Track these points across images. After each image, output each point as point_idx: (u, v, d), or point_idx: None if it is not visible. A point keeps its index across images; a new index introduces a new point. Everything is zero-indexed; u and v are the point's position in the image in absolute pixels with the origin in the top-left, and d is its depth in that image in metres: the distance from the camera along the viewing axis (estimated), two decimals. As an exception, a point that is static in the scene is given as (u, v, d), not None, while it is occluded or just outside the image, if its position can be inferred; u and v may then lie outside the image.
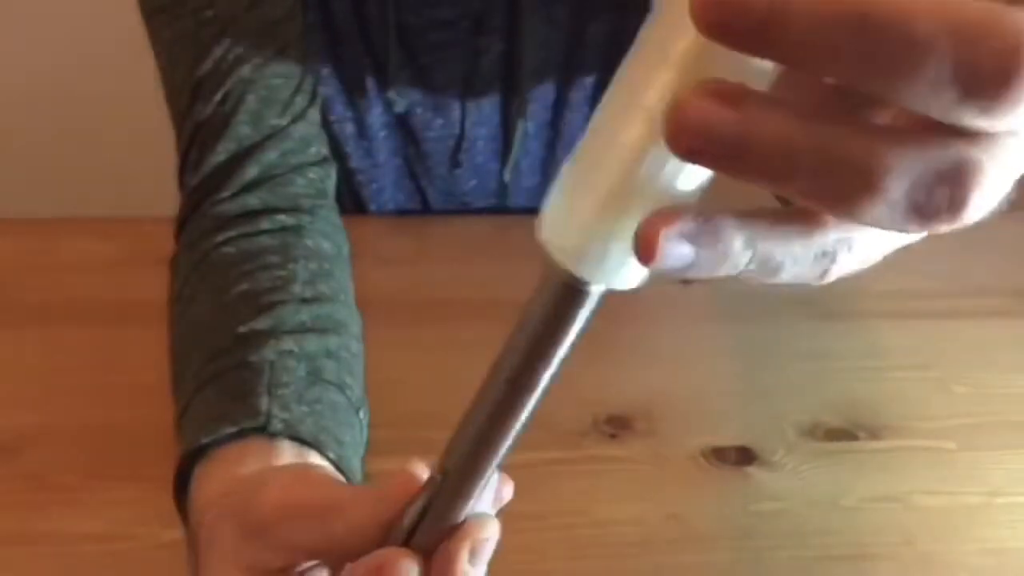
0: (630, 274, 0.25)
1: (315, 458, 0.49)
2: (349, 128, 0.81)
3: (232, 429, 0.49)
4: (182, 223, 0.65)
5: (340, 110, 0.80)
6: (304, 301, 0.57)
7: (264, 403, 0.50)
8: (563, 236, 0.25)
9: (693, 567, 0.60)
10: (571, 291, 0.26)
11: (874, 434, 0.68)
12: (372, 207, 0.87)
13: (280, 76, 0.66)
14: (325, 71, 0.78)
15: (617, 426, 0.68)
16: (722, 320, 0.78)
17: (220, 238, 0.61)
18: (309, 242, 0.62)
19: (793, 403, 0.70)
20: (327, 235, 0.64)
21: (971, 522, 0.63)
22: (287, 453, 0.49)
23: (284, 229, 0.62)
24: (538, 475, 0.63)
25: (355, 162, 0.84)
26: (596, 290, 0.26)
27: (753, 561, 0.60)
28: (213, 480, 0.47)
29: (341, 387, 0.54)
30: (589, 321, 0.27)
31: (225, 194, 0.64)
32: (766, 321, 0.77)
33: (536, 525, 0.60)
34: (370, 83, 0.79)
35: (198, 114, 0.65)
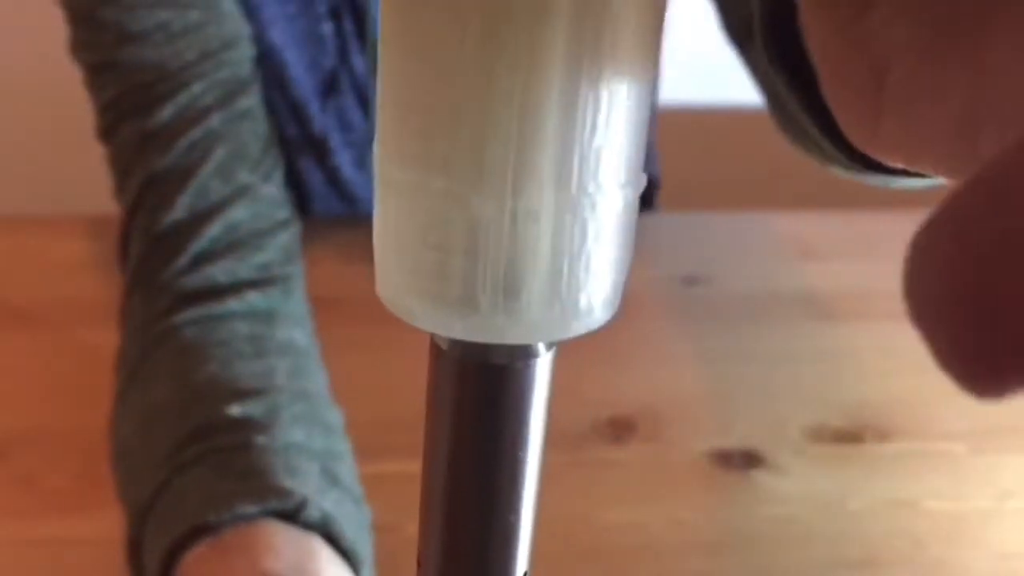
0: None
1: (345, 571, 0.43)
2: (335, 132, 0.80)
3: (251, 508, 0.42)
4: (127, 299, 0.58)
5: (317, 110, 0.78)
6: (293, 394, 0.52)
7: (290, 485, 0.43)
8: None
9: (698, 573, 0.59)
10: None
11: (882, 437, 0.67)
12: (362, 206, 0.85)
13: (251, 133, 0.60)
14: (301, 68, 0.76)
15: (619, 429, 0.67)
16: (727, 321, 0.77)
17: (179, 319, 0.54)
18: (282, 334, 0.56)
19: (799, 405, 0.69)
20: (299, 321, 0.58)
21: (982, 527, 0.62)
22: (323, 556, 0.42)
23: (255, 315, 0.56)
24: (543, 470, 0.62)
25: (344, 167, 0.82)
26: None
27: (759, 567, 0.59)
28: (233, 570, 0.40)
29: (358, 502, 0.49)
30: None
31: (183, 261, 0.56)
32: (772, 322, 0.76)
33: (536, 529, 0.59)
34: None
35: (153, 163, 0.58)
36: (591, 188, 0.19)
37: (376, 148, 0.20)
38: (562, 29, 0.18)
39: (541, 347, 0.21)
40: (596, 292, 0.20)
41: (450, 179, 0.19)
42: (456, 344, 0.21)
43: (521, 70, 0.18)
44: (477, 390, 0.21)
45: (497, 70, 0.18)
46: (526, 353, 0.21)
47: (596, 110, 0.19)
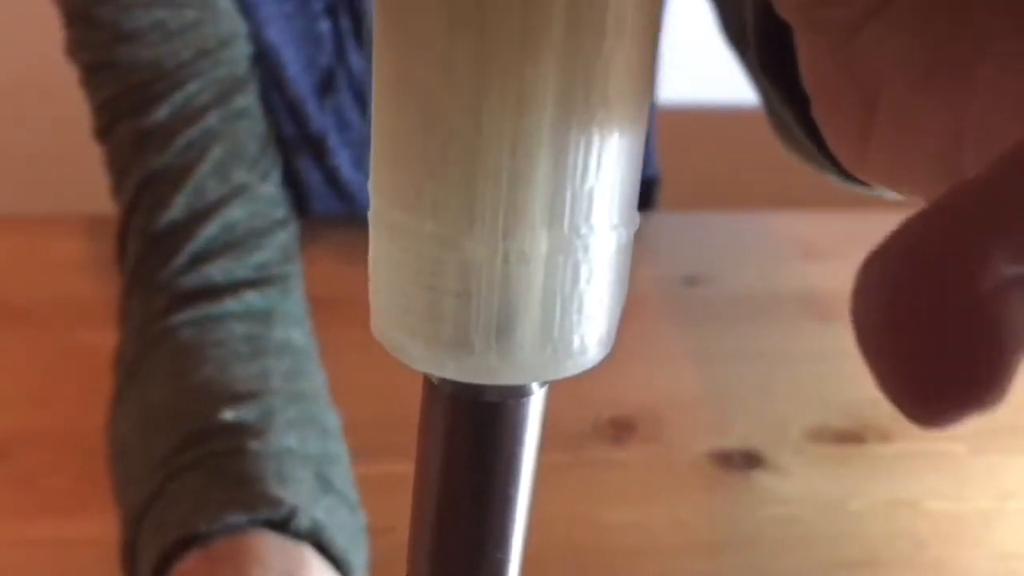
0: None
1: None
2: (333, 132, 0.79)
3: (241, 517, 0.42)
4: (125, 299, 0.58)
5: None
6: (288, 397, 0.51)
7: (280, 493, 0.43)
8: None
9: (698, 573, 0.59)
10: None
11: (883, 437, 0.67)
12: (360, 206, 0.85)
13: (248, 131, 0.60)
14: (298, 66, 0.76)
15: (620, 429, 0.67)
16: (727, 321, 0.77)
17: (176, 319, 0.54)
18: (280, 334, 0.55)
19: (800, 406, 0.69)
20: (297, 321, 0.58)
21: (983, 527, 0.62)
22: (312, 565, 0.41)
23: (253, 315, 0.55)
24: (538, 479, 0.62)
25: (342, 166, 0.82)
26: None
27: (760, 567, 0.59)
28: None
29: (352, 507, 0.49)
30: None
31: (181, 261, 0.56)
32: (772, 322, 0.76)
33: (536, 530, 0.58)
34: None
35: (150, 163, 0.58)
36: (583, 230, 0.19)
37: (370, 187, 0.20)
38: (552, 72, 0.18)
39: (534, 385, 0.21)
40: (590, 332, 0.20)
41: (441, 222, 0.19)
42: (448, 381, 0.21)
43: (510, 114, 0.18)
44: (469, 427, 0.21)
45: (486, 114, 0.18)
46: (519, 392, 0.21)
47: (587, 152, 0.18)
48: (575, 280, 0.19)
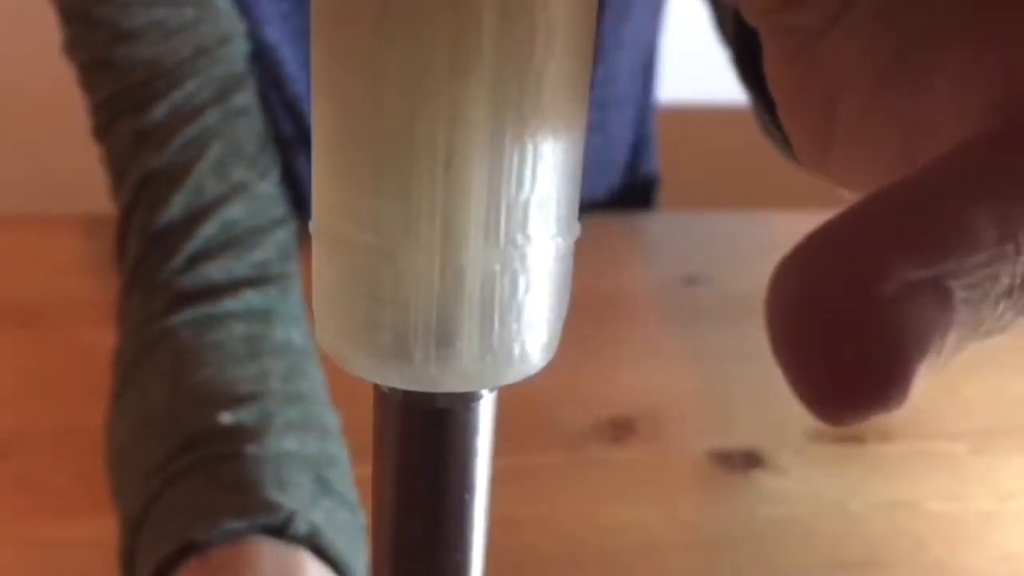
0: None
1: None
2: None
3: (238, 524, 0.41)
4: (124, 299, 0.57)
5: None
6: (287, 398, 0.51)
7: (278, 498, 0.43)
8: None
9: (698, 573, 0.59)
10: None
11: (883, 437, 0.67)
12: None
13: (247, 130, 0.60)
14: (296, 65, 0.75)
15: (620, 428, 0.67)
16: (727, 321, 0.77)
17: (175, 320, 0.53)
18: (279, 334, 0.55)
19: (800, 406, 0.69)
20: (296, 320, 0.57)
21: (983, 528, 0.62)
22: (310, 570, 0.41)
23: (252, 314, 0.55)
24: (538, 478, 0.62)
25: None
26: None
27: (759, 567, 0.59)
28: None
29: (352, 508, 0.49)
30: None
31: (180, 260, 0.56)
32: (772, 321, 0.76)
33: (536, 530, 0.59)
34: None
35: (148, 162, 0.58)
36: (520, 240, 0.19)
37: (312, 198, 0.20)
38: (484, 82, 0.17)
39: (484, 391, 0.21)
40: (530, 340, 0.20)
41: (378, 234, 0.19)
42: (397, 389, 0.21)
43: (443, 125, 0.18)
44: (419, 434, 0.21)
45: (419, 125, 0.18)
46: (467, 398, 0.21)
47: (522, 163, 0.18)
48: (513, 290, 0.19)
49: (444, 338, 0.19)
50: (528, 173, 0.18)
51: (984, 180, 0.14)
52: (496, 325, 0.19)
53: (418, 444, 0.21)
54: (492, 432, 0.22)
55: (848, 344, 0.14)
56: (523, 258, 0.19)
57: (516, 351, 0.20)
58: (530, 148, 0.18)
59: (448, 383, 0.20)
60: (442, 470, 0.21)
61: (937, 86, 0.18)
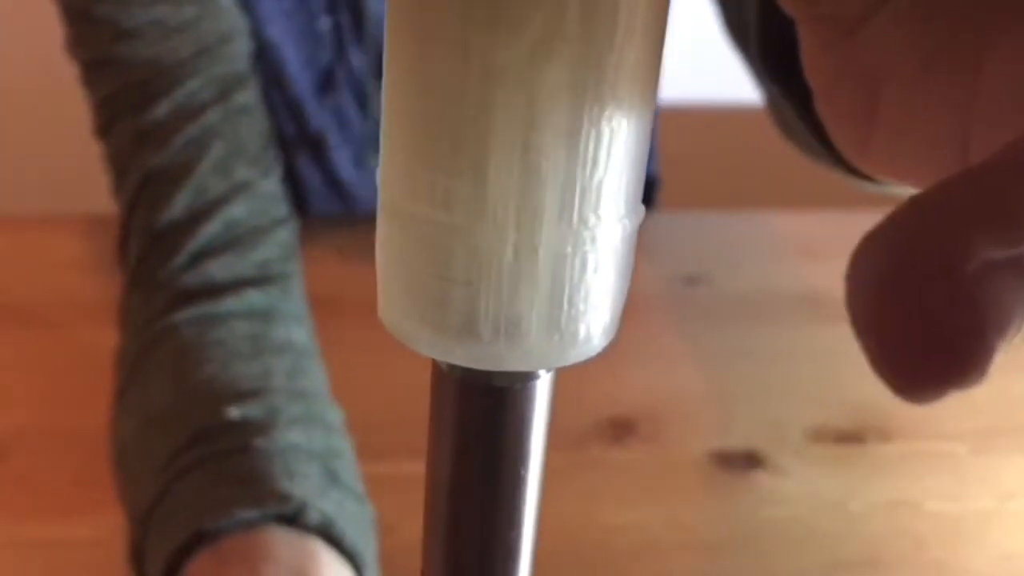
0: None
1: (346, 573, 0.43)
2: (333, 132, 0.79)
3: (251, 513, 0.42)
4: (126, 298, 0.57)
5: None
6: (291, 395, 0.51)
7: (289, 488, 0.43)
8: None
9: (698, 573, 0.59)
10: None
11: (883, 437, 0.67)
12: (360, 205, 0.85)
13: (249, 129, 0.60)
14: (298, 64, 0.75)
15: (619, 429, 0.67)
16: (727, 321, 0.77)
17: (177, 318, 0.53)
18: (281, 333, 0.55)
19: (800, 406, 0.69)
20: (298, 319, 0.57)
21: (983, 528, 0.62)
22: (323, 559, 0.41)
23: (254, 313, 0.55)
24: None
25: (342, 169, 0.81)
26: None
27: (760, 567, 0.59)
28: None
29: (360, 500, 0.49)
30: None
31: (182, 259, 0.56)
32: (772, 322, 0.76)
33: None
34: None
35: (150, 160, 0.58)
36: (591, 221, 0.19)
37: (379, 176, 0.20)
38: (564, 66, 0.18)
39: (542, 370, 0.21)
40: (595, 321, 0.20)
41: (452, 213, 0.19)
42: (456, 367, 0.21)
43: (524, 107, 0.18)
44: (478, 411, 0.21)
45: (498, 108, 0.18)
46: (526, 376, 0.21)
47: (598, 145, 0.19)
48: (582, 270, 0.20)
49: (512, 318, 0.20)
50: (603, 155, 0.19)
51: None
52: (565, 305, 0.20)
53: (476, 422, 0.22)
54: (548, 410, 0.22)
55: (933, 323, 0.14)
56: (593, 239, 0.19)
57: (581, 332, 0.20)
58: (606, 130, 0.18)
59: (513, 362, 0.20)
60: (499, 447, 0.22)
61: (986, 71, 0.18)
